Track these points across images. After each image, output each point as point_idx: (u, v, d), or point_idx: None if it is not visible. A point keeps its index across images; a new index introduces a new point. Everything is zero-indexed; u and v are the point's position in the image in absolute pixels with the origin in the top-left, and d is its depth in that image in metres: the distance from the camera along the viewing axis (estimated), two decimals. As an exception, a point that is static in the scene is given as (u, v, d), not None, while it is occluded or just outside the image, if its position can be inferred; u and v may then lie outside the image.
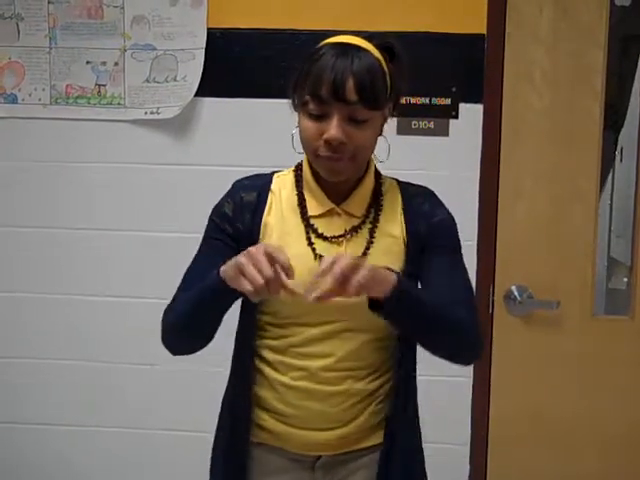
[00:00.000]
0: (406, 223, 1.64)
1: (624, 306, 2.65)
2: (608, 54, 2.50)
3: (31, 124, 2.65)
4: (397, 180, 1.72)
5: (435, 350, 1.60)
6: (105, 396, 2.73)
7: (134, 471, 2.76)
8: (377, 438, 1.68)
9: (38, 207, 2.70)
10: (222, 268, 1.47)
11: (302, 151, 1.61)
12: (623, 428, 2.62)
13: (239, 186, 1.69)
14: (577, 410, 2.62)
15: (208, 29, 2.55)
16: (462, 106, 2.54)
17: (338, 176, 1.60)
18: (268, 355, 1.66)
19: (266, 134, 2.55)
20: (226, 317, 1.60)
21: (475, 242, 2.55)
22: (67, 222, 2.69)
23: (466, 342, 1.61)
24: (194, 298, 1.56)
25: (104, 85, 2.62)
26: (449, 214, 1.69)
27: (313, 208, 1.64)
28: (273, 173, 1.72)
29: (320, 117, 1.54)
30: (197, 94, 2.58)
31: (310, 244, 1.61)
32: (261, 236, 1.62)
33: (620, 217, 2.69)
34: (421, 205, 1.66)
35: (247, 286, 1.38)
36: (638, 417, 2.61)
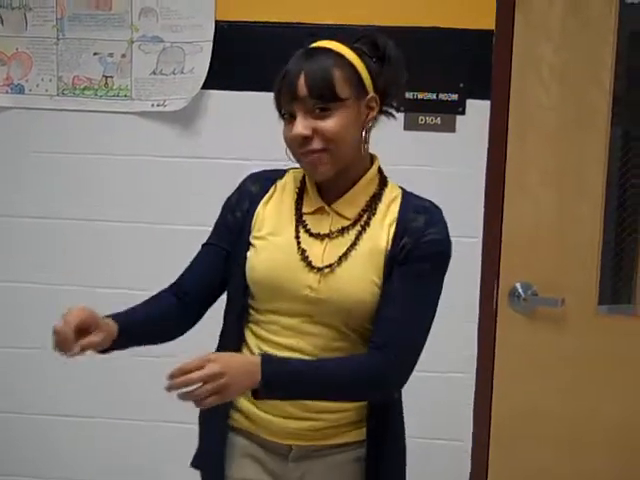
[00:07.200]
0: (394, 237, 1.61)
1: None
2: (617, 50, 2.49)
3: (38, 115, 2.65)
4: (404, 190, 1.69)
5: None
6: (108, 387, 2.74)
7: (137, 461, 2.77)
8: (357, 435, 1.67)
9: (44, 198, 2.70)
10: None
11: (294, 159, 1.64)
12: (626, 426, 2.61)
13: (249, 177, 1.76)
14: (580, 407, 2.61)
15: (216, 21, 2.55)
16: (469, 102, 2.53)
17: (318, 170, 1.60)
18: (249, 339, 1.68)
19: (272, 128, 2.52)
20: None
21: (480, 238, 2.55)
22: (72, 213, 2.69)
23: (368, 394, 1.61)
24: None
25: (111, 77, 2.61)
26: (442, 235, 1.62)
27: (307, 205, 1.68)
28: (290, 169, 1.75)
29: (292, 119, 1.59)
30: (204, 87, 2.57)
31: (297, 237, 1.64)
32: (253, 224, 1.68)
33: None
34: (415, 220, 1.61)
35: None
36: (641, 416, 2.61)
